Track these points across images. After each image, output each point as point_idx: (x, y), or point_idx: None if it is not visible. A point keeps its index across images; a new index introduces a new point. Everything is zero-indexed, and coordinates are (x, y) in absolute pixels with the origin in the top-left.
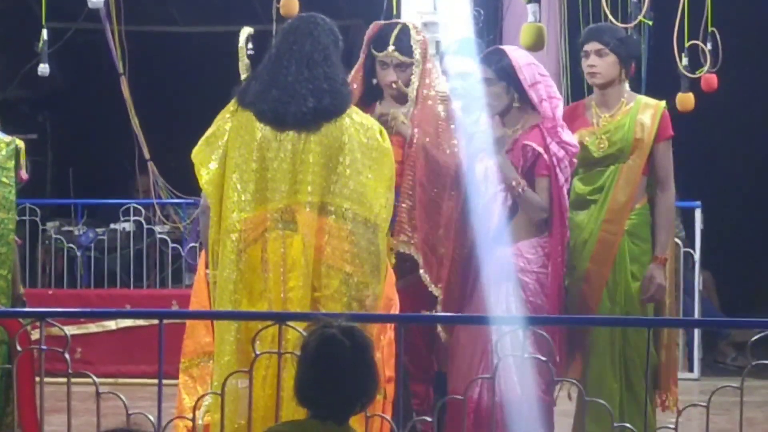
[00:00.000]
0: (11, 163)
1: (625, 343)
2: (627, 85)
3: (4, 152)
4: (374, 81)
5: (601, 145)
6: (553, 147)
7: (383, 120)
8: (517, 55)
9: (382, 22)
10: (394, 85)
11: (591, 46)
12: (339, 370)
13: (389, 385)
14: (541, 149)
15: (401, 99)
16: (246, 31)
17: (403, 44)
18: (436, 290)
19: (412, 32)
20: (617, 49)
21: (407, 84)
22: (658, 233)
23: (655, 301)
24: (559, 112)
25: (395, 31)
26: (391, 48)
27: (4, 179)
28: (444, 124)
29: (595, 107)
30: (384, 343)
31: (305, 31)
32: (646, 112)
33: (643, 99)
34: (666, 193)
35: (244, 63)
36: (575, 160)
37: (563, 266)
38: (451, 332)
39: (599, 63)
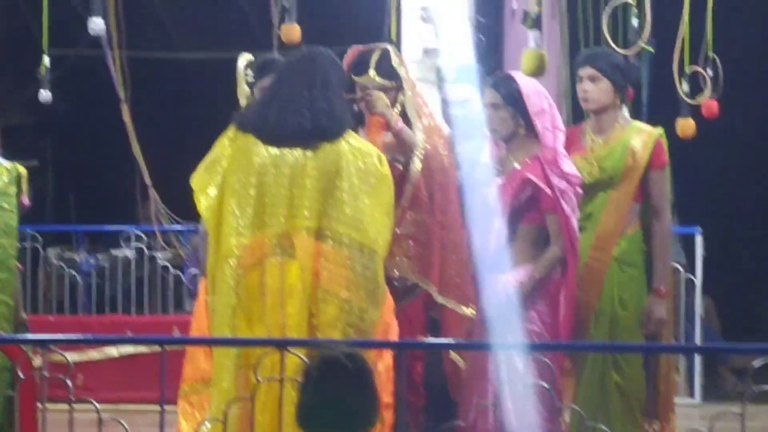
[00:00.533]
0: (13, 189)
1: (615, 371)
2: (625, 111)
3: (5, 178)
4: (355, 107)
5: (592, 171)
6: (554, 179)
7: (365, 96)
8: (527, 82)
9: (360, 47)
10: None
11: (584, 72)
12: (342, 395)
13: (387, 412)
14: (542, 184)
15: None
16: (245, 58)
17: (384, 68)
18: (468, 310)
19: (392, 56)
20: (611, 75)
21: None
22: (655, 264)
23: (656, 335)
24: (561, 143)
25: (375, 56)
26: (372, 72)
27: (5, 205)
28: (447, 156)
29: (590, 132)
30: (381, 369)
31: (307, 59)
32: (638, 139)
33: (638, 125)
34: (662, 222)
35: (243, 89)
36: (580, 190)
37: (573, 297)
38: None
39: (592, 88)
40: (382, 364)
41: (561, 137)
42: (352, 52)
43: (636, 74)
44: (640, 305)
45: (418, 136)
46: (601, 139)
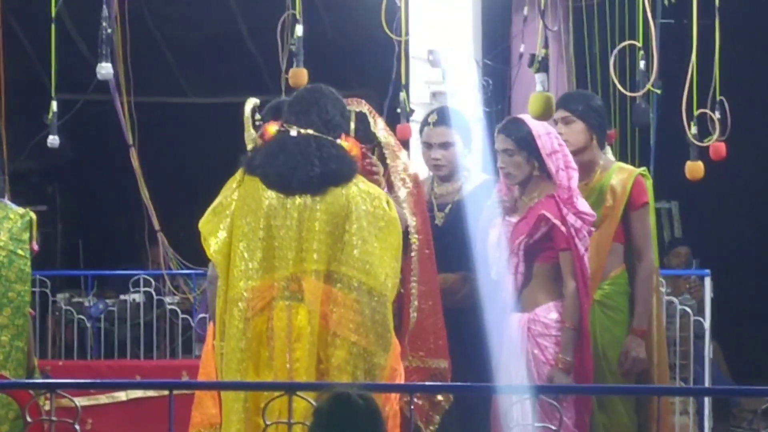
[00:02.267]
0: (26, 236)
1: (601, 412)
2: (609, 153)
3: (19, 224)
4: None
5: None
6: (570, 218)
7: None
8: (536, 124)
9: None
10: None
11: (558, 114)
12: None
13: None
14: (558, 221)
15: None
16: (251, 102)
17: (361, 133)
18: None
19: (369, 118)
20: (584, 116)
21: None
22: (637, 304)
23: (633, 374)
24: (575, 182)
25: (352, 122)
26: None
27: (20, 251)
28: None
29: None
30: (389, 414)
31: (311, 100)
32: (618, 179)
33: (620, 165)
34: (643, 263)
35: (250, 134)
36: (593, 229)
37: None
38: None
39: (565, 131)
40: (390, 410)
41: (575, 176)
42: None
43: (644, 118)
44: (621, 349)
45: (406, 211)
46: (583, 182)
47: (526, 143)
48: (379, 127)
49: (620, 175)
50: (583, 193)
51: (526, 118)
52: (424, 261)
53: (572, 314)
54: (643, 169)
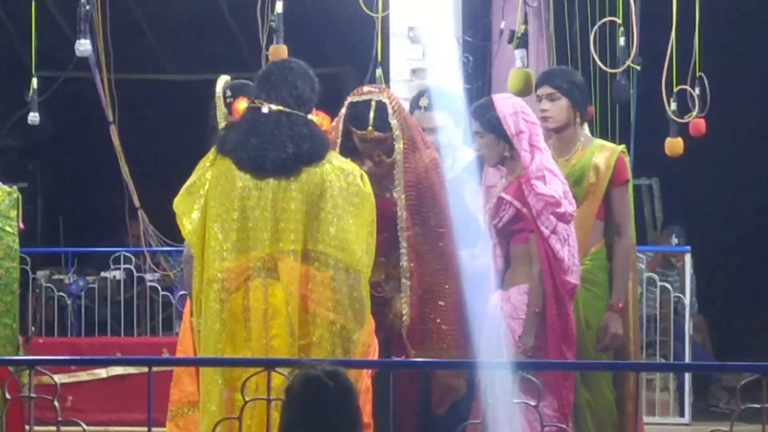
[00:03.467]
0: (14, 213)
1: (585, 389)
2: (586, 129)
3: (7, 201)
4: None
5: None
6: (531, 200)
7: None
8: (504, 104)
9: (356, 99)
10: (377, 158)
11: (542, 90)
12: (323, 412)
13: None
14: (519, 204)
15: (382, 166)
16: (223, 79)
17: (380, 122)
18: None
19: (388, 108)
20: (569, 93)
21: (390, 153)
22: (615, 280)
23: (610, 350)
24: (540, 162)
25: (372, 111)
26: (370, 128)
27: (8, 228)
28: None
29: (553, 152)
30: (360, 389)
31: (280, 76)
32: (601, 156)
33: (600, 142)
34: (623, 239)
35: (222, 112)
36: (561, 210)
37: (562, 317)
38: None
39: (550, 107)
40: (362, 385)
41: (538, 156)
42: (349, 106)
43: (624, 94)
44: None
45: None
46: (564, 159)
47: (492, 125)
48: (393, 114)
49: (603, 152)
50: (564, 169)
51: (497, 98)
52: (434, 257)
53: (535, 298)
54: (623, 147)
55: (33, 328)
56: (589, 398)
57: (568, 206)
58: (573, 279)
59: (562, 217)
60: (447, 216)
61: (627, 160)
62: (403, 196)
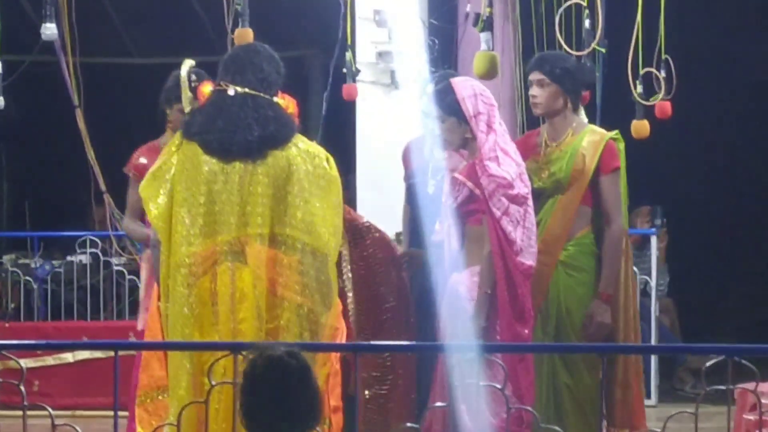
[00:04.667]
0: None
1: (565, 372)
2: (581, 115)
3: None
4: None
5: (542, 175)
6: (483, 181)
7: None
8: (463, 87)
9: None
10: None
11: (533, 76)
12: (288, 392)
13: (335, 415)
14: (471, 185)
15: None
16: (188, 63)
17: None
18: None
19: None
20: (559, 79)
21: None
22: (603, 268)
23: (596, 338)
24: (490, 144)
25: None
26: None
27: None
28: None
29: (545, 136)
30: (330, 372)
31: (246, 59)
32: (590, 143)
33: (591, 129)
34: (612, 227)
35: (186, 95)
36: (515, 192)
37: (515, 297)
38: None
39: (539, 93)
40: (330, 368)
41: (492, 138)
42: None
43: (590, 76)
44: (585, 309)
45: None
46: (554, 144)
47: (452, 108)
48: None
49: (592, 138)
50: (551, 156)
51: (456, 81)
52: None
53: (486, 279)
54: (615, 133)
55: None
56: (569, 382)
57: (522, 188)
58: (527, 260)
59: (515, 199)
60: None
61: (619, 146)
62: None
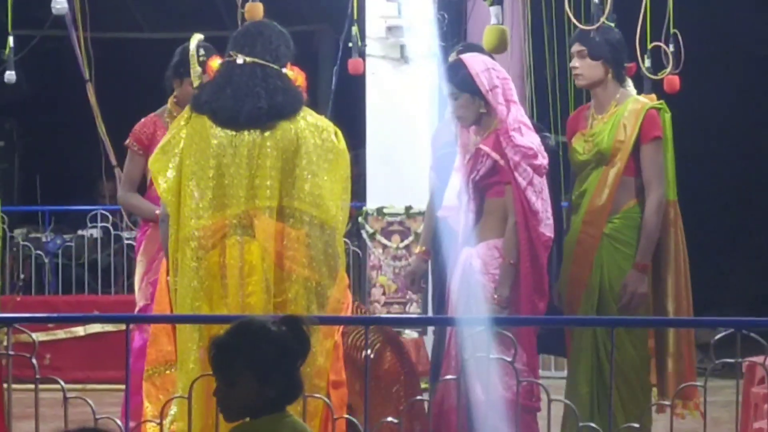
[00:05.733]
0: None
1: (602, 348)
2: (628, 86)
3: None
4: None
5: (587, 148)
6: (509, 151)
7: None
8: (474, 62)
9: None
10: None
11: (574, 48)
12: (252, 346)
13: (338, 390)
14: (496, 155)
15: None
16: (196, 38)
17: None
18: None
19: None
20: (600, 51)
21: None
22: (641, 238)
23: (632, 308)
24: (513, 115)
25: None
26: None
27: None
28: None
29: (592, 111)
30: (330, 346)
31: (255, 33)
32: (631, 112)
33: (634, 98)
34: (651, 197)
35: (195, 70)
36: (538, 162)
37: (536, 269)
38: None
39: (580, 64)
40: (331, 342)
41: (514, 109)
42: None
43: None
44: None
45: None
46: (600, 116)
47: (466, 84)
48: None
49: (634, 107)
50: (596, 129)
51: (467, 57)
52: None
53: (510, 250)
54: (659, 102)
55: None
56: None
57: (543, 159)
58: (547, 231)
59: (538, 169)
60: None
61: (665, 116)
62: None
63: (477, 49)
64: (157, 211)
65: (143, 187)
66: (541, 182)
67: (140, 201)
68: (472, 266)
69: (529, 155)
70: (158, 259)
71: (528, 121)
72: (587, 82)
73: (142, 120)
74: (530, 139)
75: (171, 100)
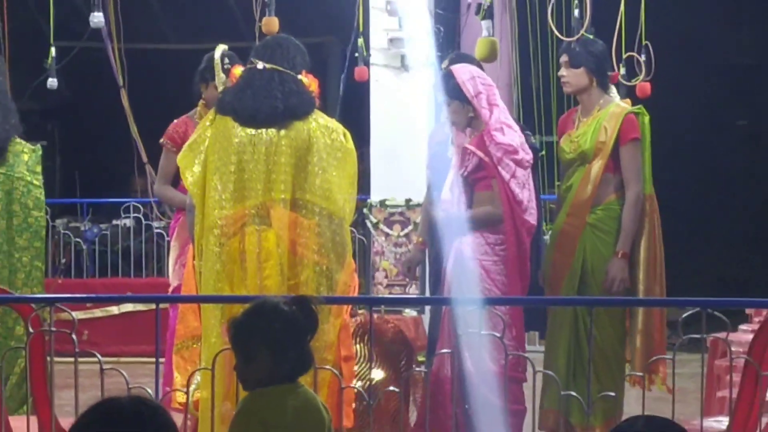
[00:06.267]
0: (39, 168)
1: (581, 325)
2: (611, 92)
3: (33, 158)
4: None
5: (573, 148)
6: (492, 149)
7: None
8: (461, 72)
9: None
10: None
11: (562, 59)
12: (265, 322)
13: (347, 363)
14: (481, 153)
15: None
16: (221, 48)
17: None
18: None
19: None
20: (584, 61)
21: None
22: (621, 229)
23: (614, 293)
24: (496, 117)
25: None
26: None
27: (35, 182)
28: None
29: (579, 113)
30: (339, 325)
31: (274, 44)
32: (611, 116)
33: (615, 104)
34: (629, 192)
35: (220, 77)
36: (520, 156)
37: (520, 253)
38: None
39: (567, 73)
40: (340, 320)
41: (496, 112)
42: None
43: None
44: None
45: None
46: (585, 119)
47: (455, 92)
48: None
49: (614, 111)
50: (582, 129)
51: (456, 68)
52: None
53: (475, 220)
54: (637, 108)
55: (64, 261)
56: (594, 333)
57: (525, 154)
58: (531, 219)
59: (520, 163)
60: None
61: (641, 119)
62: None
63: (466, 58)
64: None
65: (177, 180)
66: (525, 174)
67: (174, 192)
68: (463, 253)
69: (509, 151)
70: (190, 243)
71: (512, 122)
72: (573, 89)
73: (175, 121)
74: (511, 137)
75: (201, 102)
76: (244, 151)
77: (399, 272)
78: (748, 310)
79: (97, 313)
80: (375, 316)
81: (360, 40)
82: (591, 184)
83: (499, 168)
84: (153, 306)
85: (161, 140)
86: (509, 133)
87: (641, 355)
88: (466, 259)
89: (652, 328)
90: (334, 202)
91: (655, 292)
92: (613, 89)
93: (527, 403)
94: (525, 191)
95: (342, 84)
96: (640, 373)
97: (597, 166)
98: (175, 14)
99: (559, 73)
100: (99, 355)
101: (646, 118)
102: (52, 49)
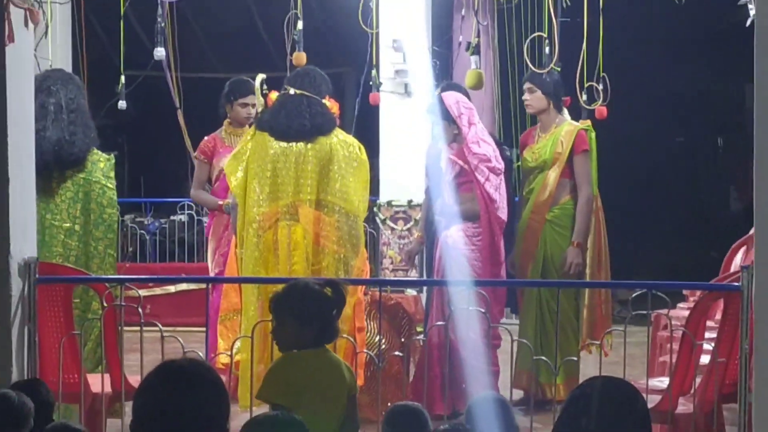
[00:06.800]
0: (112, 173)
1: (550, 301)
2: (564, 114)
3: (108, 165)
4: None
5: (534, 158)
6: (470, 158)
7: None
8: (448, 98)
9: None
10: None
11: (526, 86)
12: (301, 300)
13: (360, 334)
14: (461, 162)
15: None
16: (260, 77)
17: None
18: None
19: None
20: (542, 87)
21: None
22: (576, 224)
23: (572, 276)
24: (473, 133)
25: None
26: None
27: (110, 185)
28: None
29: (538, 130)
30: (354, 301)
31: (303, 74)
32: (566, 132)
33: (569, 122)
34: (582, 194)
35: (259, 100)
36: (493, 165)
37: (493, 243)
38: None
39: (529, 97)
40: (355, 298)
41: (473, 129)
42: None
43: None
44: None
45: None
46: (544, 135)
47: (444, 114)
48: None
49: (568, 128)
50: (541, 143)
51: (445, 94)
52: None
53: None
54: (586, 125)
55: (131, 249)
56: (554, 307)
57: (497, 164)
58: (502, 215)
59: (493, 170)
60: None
61: (589, 134)
62: None
63: (455, 86)
64: (220, 202)
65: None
66: (498, 179)
67: (206, 196)
68: (448, 243)
69: (484, 160)
70: (224, 237)
71: (487, 137)
72: (534, 110)
73: (205, 138)
74: (486, 149)
75: (226, 121)
76: (278, 160)
77: (402, 260)
78: (685, 291)
79: (158, 291)
80: (382, 294)
81: (374, 72)
82: (549, 187)
83: (476, 173)
84: (203, 285)
85: (194, 154)
86: (484, 146)
87: (587, 324)
88: (451, 248)
89: (595, 303)
90: (351, 203)
91: (600, 276)
92: (566, 112)
93: (502, 365)
94: (497, 193)
95: (357, 106)
96: (595, 341)
97: (554, 172)
98: (222, 49)
99: (523, 98)
100: (160, 325)
101: (593, 134)
102: (122, 77)
